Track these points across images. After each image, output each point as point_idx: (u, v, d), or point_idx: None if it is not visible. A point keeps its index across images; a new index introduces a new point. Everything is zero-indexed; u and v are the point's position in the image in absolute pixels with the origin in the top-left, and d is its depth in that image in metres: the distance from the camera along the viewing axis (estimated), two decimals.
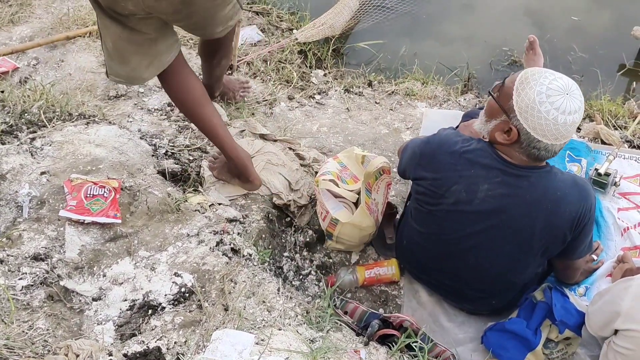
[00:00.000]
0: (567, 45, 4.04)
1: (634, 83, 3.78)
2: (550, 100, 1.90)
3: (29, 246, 2.10)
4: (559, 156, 2.93)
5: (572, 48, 4.01)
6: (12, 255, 2.06)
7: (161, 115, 3.01)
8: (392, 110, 3.30)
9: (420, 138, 2.33)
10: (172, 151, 2.77)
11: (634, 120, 3.23)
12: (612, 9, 4.37)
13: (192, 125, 2.94)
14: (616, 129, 3.20)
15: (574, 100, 1.91)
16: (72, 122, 2.72)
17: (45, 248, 2.11)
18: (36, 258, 2.07)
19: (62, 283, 2.03)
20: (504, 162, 2.02)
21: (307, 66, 3.64)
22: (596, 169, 2.80)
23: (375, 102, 3.35)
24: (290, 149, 2.90)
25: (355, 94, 3.41)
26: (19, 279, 1.99)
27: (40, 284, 2.01)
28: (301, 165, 2.83)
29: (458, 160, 2.07)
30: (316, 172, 2.73)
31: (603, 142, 3.09)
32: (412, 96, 3.40)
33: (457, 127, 2.63)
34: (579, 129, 3.18)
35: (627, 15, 4.25)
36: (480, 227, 2.08)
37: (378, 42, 3.88)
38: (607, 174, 2.77)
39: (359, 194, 2.52)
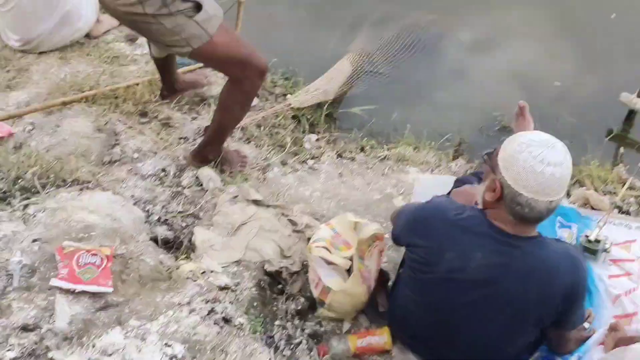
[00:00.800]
0: (556, 110, 4.10)
1: (622, 148, 3.83)
2: (529, 149, 1.91)
3: (18, 316, 2.08)
4: (550, 222, 2.94)
5: (561, 113, 4.07)
6: (0, 326, 2.03)
7: (155, 180, 3.02)
8: (384, 175, 3.33)
9: (414, 204, 2.36)
10: (165, 217, 2.77)
11: (622, 186, 3.26)
12: (600, 74, 4.44)
13: (186, 191, 2.96)
14: (605, 194, 3.23)
15: (555, 152, 1.91)
16: (66, 188, 2.73)
17: (35, 318, 2.09)
18: (25, 328, 2.04)
19: (50, 355, 1.99)
20: (496, 230, 2.03)
21: (300, 131, 3.68)
22: (587, 235, 2.81)
23: (368, 168, 3.38)
24: (283, 214, 2.91)
25: (348, 159, 3.44)
26: (7, 351, 1.96)
27: (29, 355, 1.98)
28: (294, 231, 2.83)
29: (451, 228, 2.08)
30: (309, 239, 2.72)
31: (593, 208, 3.11)
32: (404, 161, 3.43)
33: (449, 193, 2.65)
34: (568, 194, 3.20)
35: (615, 81, 4.32)
36: (474, 297, 2.08)
37: (370, 107, 3.92)
38: (597, 241, 2.78)
39: (351, 260, 2.52)
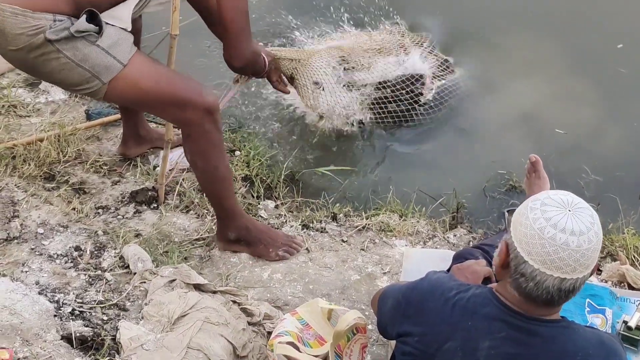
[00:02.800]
0: (577, 166, 4.22)
1: None
2: (542, 209, 1.93)
3: None
4: (577, 305, 3.00)
5: (583, 170, 4.19)
6: None
7: (66, 262, 3.02)
8: (363, 250, 3.37)
9: (401, 284, 2.37)
10: (81, 309, 2.76)
11: None
12: (623, 118, 4.61)
13: (107, 275, 2.96)
14: None
15: (576, 218, 1.90)
16: None
17: None
18: None
19: None
20: (509, 311, 2.03)
21: (253, 196, 3.72)
22: (625, 322, 2.86)
23: (342, 241, 3.42)
24: (234, 302, 2.91)
25: (317, 230, 3.49)
26: None
27: None
28: (249, 323, 2.83)
29: (452, 309, 2.09)
30: (269, 333, 2.73)
31: (631, 287, 3.17)
32: (388, 232, 3.49)
33: (448, 270, 2.69)
34: (599, 270, 3.27)
35: None
36: None
37: (344, 168, 4.01)
38: (638, 328, 2.83)
39: (326, 359, 2.53)
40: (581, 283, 1.96)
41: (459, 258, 2.80)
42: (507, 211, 2.21)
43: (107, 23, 2.70)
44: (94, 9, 2.63)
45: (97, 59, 2.67)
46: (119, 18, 2.75)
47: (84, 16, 2.61)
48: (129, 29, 2.80)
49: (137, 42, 3.23)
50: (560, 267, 1.90)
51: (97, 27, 2.64)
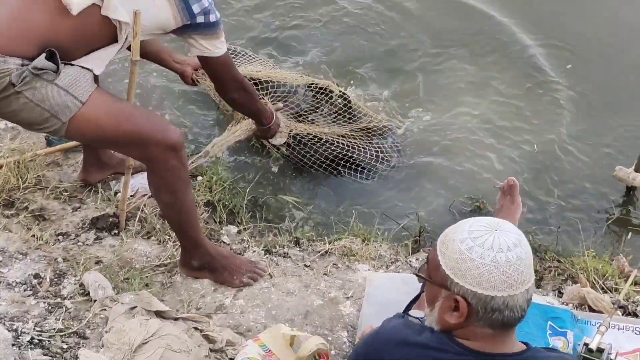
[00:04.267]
0: (538, 186, 4.28)
1: (627, 234, 3.97)
2: (478, 243, 1.92)
3: None
4: (540, 328, 3.03)
5: (544, 191, 4.25)
6: None
7: (25, 290, 2.99)
8: (326, 275, 3.38)
9: (365, 335, 2.32)
10: (40, 338, 2.73)
11: (626, 281, 3.36)
12: (590, 143, 4.68)
13: (67, 302, 2.94)
14: (606, 292, 3.34)
15: (506, 234, 1.93)
16: None
17: None
18: None
19: None
20: (473, 353, 2.00)
21: (216, 221, 3.72)
22: (586, 344, 2.87)
23: (305, 266, 3.43)
24: (196, 329, 2.90)
25: (279, 255, 3.49)
26: None
27: None
28: (211, 350, 2.82)
29: (414, 358, 2.05)
30: (231, 359, 2.72)
31: (591, 309, 3.20)
32: (351, 257, 3.50)
33: (415, 299, 2.69)
34: (560, 293, 3.31)
35: (606, 153, 4.57)
36: None
37: (307, 201, 4.10)
38: (600, 350, 2.84)
39: None
40: (533, 286, 1.99)
41: None
42: (418, 272, 2.17)
43: (72, 65, 2.70)
44: (53, 49, 2.61)
45: (55, 98, 2.66)
46: (95, 61, 2.76)
47: (43, 54, 2.60)
48: (97, 73, 2.81)
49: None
50: (523, 280, 1.92)
51: (55, 66, 2.63)
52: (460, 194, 4.20)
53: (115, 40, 2.81)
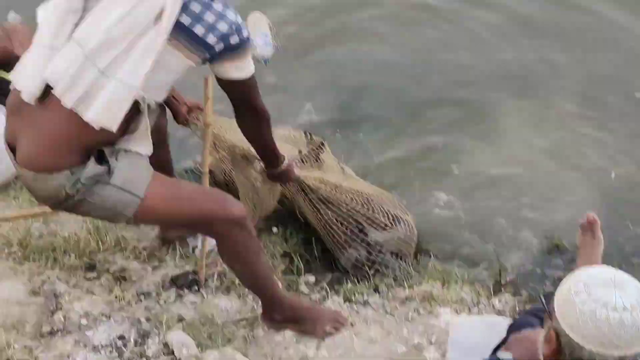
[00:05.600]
0: (617, 220, 4.19)
1: None
2: (588, 291, 1.88)
3: None
4: None
5: (624, 224, 4.15)
6: None
7: (111, 352, 3.01)
8: (408, 321, 3.33)
9: None
10: None
11: None
12: None
13: None
14: None
15: (624, 293, 1.87)
16: None
17: None
18: None
19: None
20: None
21: (293, 272, 3.71)
22: None
23: (386, 312, 3.39)
24: None
25: (359, 303, 3.45)
26: None
27: None
28: None
29: None
30: None
31: None
32: (431, 301, 3.44)
33: (504, 341, 2.63)
34: None
35: None
36: None
37: None
38: None
39: None
40: (638, 355, 1.92)
41: (515, 327, 2.73)
42: (544, 296, 2.15)
43: (118, 151, 2.67)
44: (100, 149, 2.63)
45: (114, 198, 2.68)
46: (138, 139, 2.72)
47: (92, 159, 2.61)
48: (150, 150, 2.76)
49: (161, 140, 3.26)
50: (619, 346, 1.85)
51: (106, 168, 2.63)
52: (537, 231, 4.13)
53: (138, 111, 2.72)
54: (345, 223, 3.74)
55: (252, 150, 3.31)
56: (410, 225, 3.86)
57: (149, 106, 2.66)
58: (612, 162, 4.65)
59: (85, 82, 2.49)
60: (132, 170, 2.71)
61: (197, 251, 3.63)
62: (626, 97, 5.16)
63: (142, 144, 2.72)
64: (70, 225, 3.74)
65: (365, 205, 3.78)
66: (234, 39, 2.63)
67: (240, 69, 2.75)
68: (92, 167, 2.60)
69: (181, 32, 2.55)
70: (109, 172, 2.64)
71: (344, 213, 3.74)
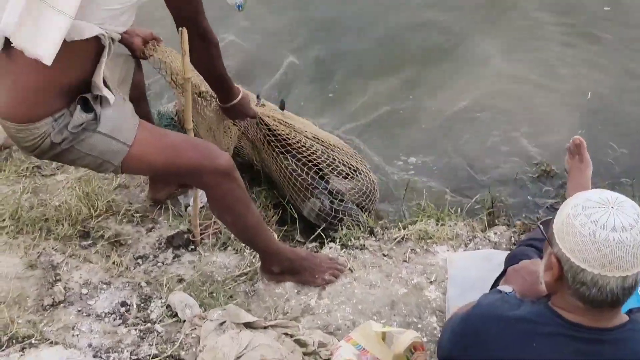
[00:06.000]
0: (601, 142, 4.21)
1: None
2: (586, 213, 1.91)
3: None
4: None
5: (608, 145, 4.17)
6: None
7: (115, 319, 3.02)
8: (406, 262, 3.35)
9: (459, 313, 2.32)
10: None
11: None
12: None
13: (157, 326, 2.96)
14: None
15: (621, 215, 1.89)
16: (3, 350, 2.71)
17: None
18: None
19: None
20: (570, 325, 2.00)
21: (288, 221, 3.72)
22: None
23: (384, 255, 3.40)
24: (286, 334, 2.90)
25: (356, 248, 3.47)
26: None
27: None
28: (304, 354, 2.82)
29: (513, 333, 2.04)
30: None
31: None
32: (427, 240, 3.47)
33: (502, 274, 2.65)
34: None
35: None
36: None
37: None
38: None
39: None
40: (638, 276, 1.94)
41: (512, 259, 2.75)
42: (541, 223, 2.16)
43: (101, 97, 2.64)
44: (85, 95, 2.60)
45: (102, 145, 2.67)
46: (99, 86, 2.63)
47: (78, 107, 2.59)
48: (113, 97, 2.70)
49: (140, 95, 3.25)
50: (620, 266, 1.87)
51: (92, 115, 2.62)
52: (524, 159, 4.16)
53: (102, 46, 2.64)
54: (305, 169, 3.73)
55: (206, 87, 3.33)
56: (371, 179, 3.86)
57: (112, 41, 2.61)
58: (587, 82, 4.66)
59: (29, 16, 2.38)
60: (119, 118, 2.71)
61: (189, 209, 3.63)
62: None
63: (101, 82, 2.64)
64: (60, 194, 3.73)
65: (325, 153, 3.77)
66: None
67: None
68: (79, 115, 2.59)
69: None
70: (96, 119, 2.64)
71: (304, 157, 3.73)
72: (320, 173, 3.74)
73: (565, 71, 4.81)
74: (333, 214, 3.68)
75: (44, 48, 2.38)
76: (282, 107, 3.92)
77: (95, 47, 2.56)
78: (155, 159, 2.79)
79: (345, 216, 3.68)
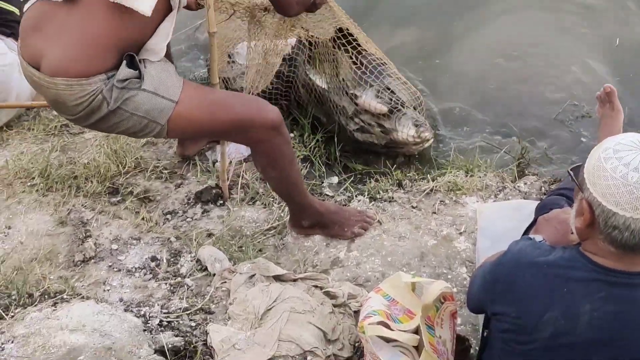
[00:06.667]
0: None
1: None
2: (617, 156, 1.89)
3: None
4: None
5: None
6: None
7: (145, 274, 3.05)
8: (435, 213, 3.34)
9: (489, 261, 2.31)
10: (168, 320, 2.78)
11: None
12: None
13: (187, 280, 2.97)
14: None
15: None
16: (35, 305, 2.75)
17: None
18: None
19: None
20: (602, 269, 1.98)
21: (315, 175, 3.71)
22: None
23: (412, 207, 3.39)
24: (316, 287, 2.91)
25: (385, 200, 3.46)
26: None
27: None
28: (334, 306, 2.83)
29: (544, 278, 2.03)
30: (356, 312, 2.72)
31: None
32: (457, 191, 3.45)
33: (532, 224, 2.63)
34: None
35: None
36: None
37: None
38: None
39: (418, 332, 2.50)
40: None
41: (543, 208, 2.73)
42: (571, 169, 2.13)
43: (144, 60, 2.66)
44: (131, 53, 2.60)
45: (148, 103, 2.64)
46: (162, 37, 2.69)
47: (124, 62, 2.59)
48: (163, 54, 2.75)
49: (168, 53, 3.23)
50: None
51: (137, 72, 2.61)
52: (558, 104, 4.11)
53: (169, 9, 2.71)
54: (358, 63, 3.73)
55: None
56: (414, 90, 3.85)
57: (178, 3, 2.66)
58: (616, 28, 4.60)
59: None
60: (163, 75, 2.70)
61: (217, 164, 3.63)
62: None
63: (163, 40, 2.70)
64: (88, 151, 3.74)
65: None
66: None
67: None
68: (124, 70, 2.59)
69: None
70: (140, 77, 2.63)
71: (358, 52, 3.72)
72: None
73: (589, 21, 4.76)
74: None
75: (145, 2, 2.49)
76: None
77: (163, 7, 2.61)
78: (202, 116, 2.76)
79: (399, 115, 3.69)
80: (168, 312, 2.83)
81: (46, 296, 2.84)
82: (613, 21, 4.76)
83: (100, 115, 2.64)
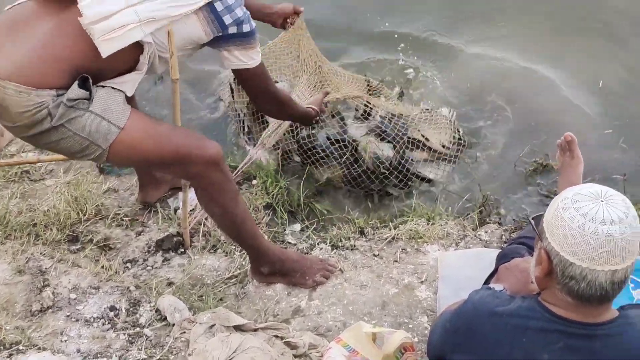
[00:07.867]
0: (598, 135, 4.21)
1: None
2: (576, 206, 1.91)
3: None
4: None
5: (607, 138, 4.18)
6: None
7: (104, 324, 3.01)
8: (397, 262, 3.34)
9: (449, 310, 2.31)
10: None
11: None
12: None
13: (146, 331, 2.94)
14: None
15: (612, 208, 1.88)
16: None
17: None
18: None
19: None
20: (560, 320, 1.99)
21: (278, 223, 3.70)
22: None
23: (374, 255, 3.39)
24: (277, 337, 2.89)
25: (347, 248, 3.45)
26: None
27: None
28: (295, 357, 2.81)
29: (504, 328, 2.04)
30: None
31: None
32: (418, 239, 3.45)
33: (493, 273, 2.64)
34: None
35: None
36: None
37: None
38: None
39: None
40: (631, 270, 1.93)
41: (504, 257, 2.75)
42: (532, 219, 2.15)
43: (103, 86, 2.68)
44: (85, 75, 2.61)
45: (93, 125, 2.64)
46: (126, 84, 2.73)
47: (76, 83, 2.59)
48: (129, 94, 2.78)
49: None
50: (609, 260, 1.87)
51: (87, 93, 2.62)
52: (517, 153, 4.15)
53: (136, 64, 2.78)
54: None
55: None
56: None
57: (149, 60, 2.75)
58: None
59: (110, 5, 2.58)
60: (111, 101, 2.70)
61: (179, 212, 3.61)
62: None
63: (127, 87, 2.76)
64: (48, 198, 3.70)
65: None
66: (247, 27, 2.84)
67: (252, 57, 2.94)
68: (75, 90, 2.59)
69: (204, 4, 2.72)
70: (89, 98, 2.63)
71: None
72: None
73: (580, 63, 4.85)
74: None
75: (109, 44, 2.59)
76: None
77: (130, 60, 2.73)
78: (145, 145, 2.76)
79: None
80: None
81: (1, 347, 2.79)
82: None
83: (41, 129, 2.63)
